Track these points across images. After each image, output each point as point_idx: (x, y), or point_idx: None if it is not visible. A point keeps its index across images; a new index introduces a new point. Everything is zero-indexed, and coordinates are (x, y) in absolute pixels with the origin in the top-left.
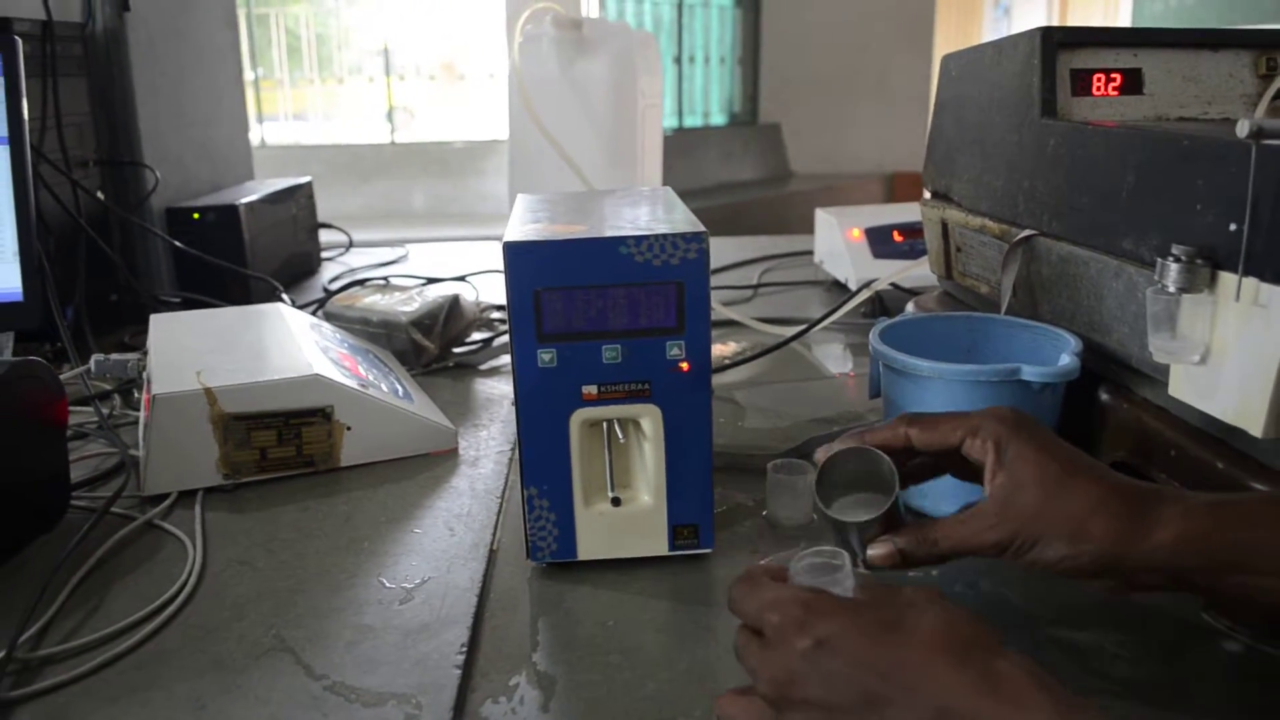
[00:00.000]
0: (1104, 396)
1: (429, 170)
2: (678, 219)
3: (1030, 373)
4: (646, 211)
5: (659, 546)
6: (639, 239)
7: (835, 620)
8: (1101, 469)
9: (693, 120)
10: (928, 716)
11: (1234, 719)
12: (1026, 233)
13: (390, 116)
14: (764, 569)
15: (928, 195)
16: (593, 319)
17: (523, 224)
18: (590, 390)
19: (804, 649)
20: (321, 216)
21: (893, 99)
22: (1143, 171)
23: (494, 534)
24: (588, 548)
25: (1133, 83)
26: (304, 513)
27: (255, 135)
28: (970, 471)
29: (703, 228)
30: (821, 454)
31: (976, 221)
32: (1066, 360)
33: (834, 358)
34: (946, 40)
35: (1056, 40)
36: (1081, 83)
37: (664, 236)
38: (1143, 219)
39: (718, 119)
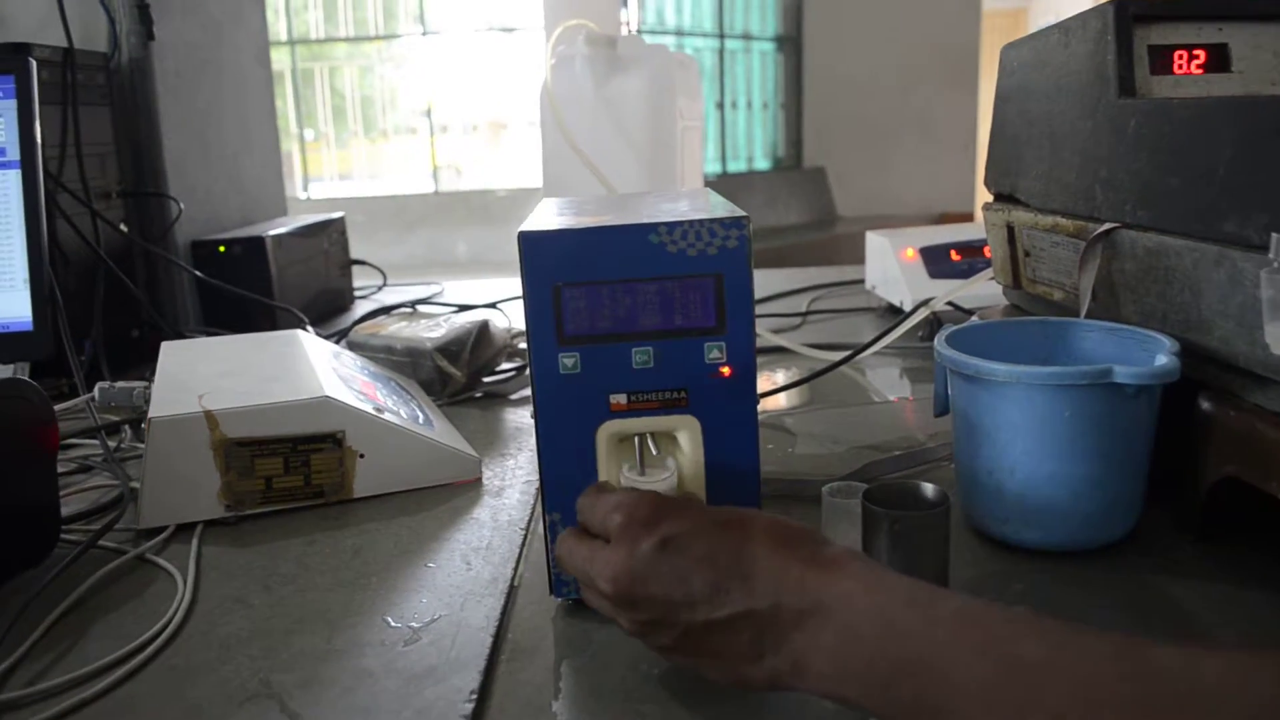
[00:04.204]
0: (1205, 405)
1: (472, 218)
2: (716, 207)
3: (1124, 374)
4: (683, 205)
5: None
6: (671, 226)
7: (678, 519)
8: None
9: (736, 165)
10: (765, 598)
11: None
12: (1106, 226)
13: (435, 176)
14: (605, 482)
15: (990, 199)
16: (620, 318)
17: (544, 218)
18: (619, 399)
19: (649, 547)
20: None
21: (939, 139)
22: (1245, 142)
23: (515, 568)
24: None
25: (1218, 59)
26: (309, 546)
27: (301, 195)
28: None
29: (743, 213)
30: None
31: (1047, 220)
32: (1164, 360)
33: (890, 383)
34: (993, 78)
35: (1132, 13)
36: (1161, 60)
37: (699, 223)
38: (1247, 195)
39: (761, 164)
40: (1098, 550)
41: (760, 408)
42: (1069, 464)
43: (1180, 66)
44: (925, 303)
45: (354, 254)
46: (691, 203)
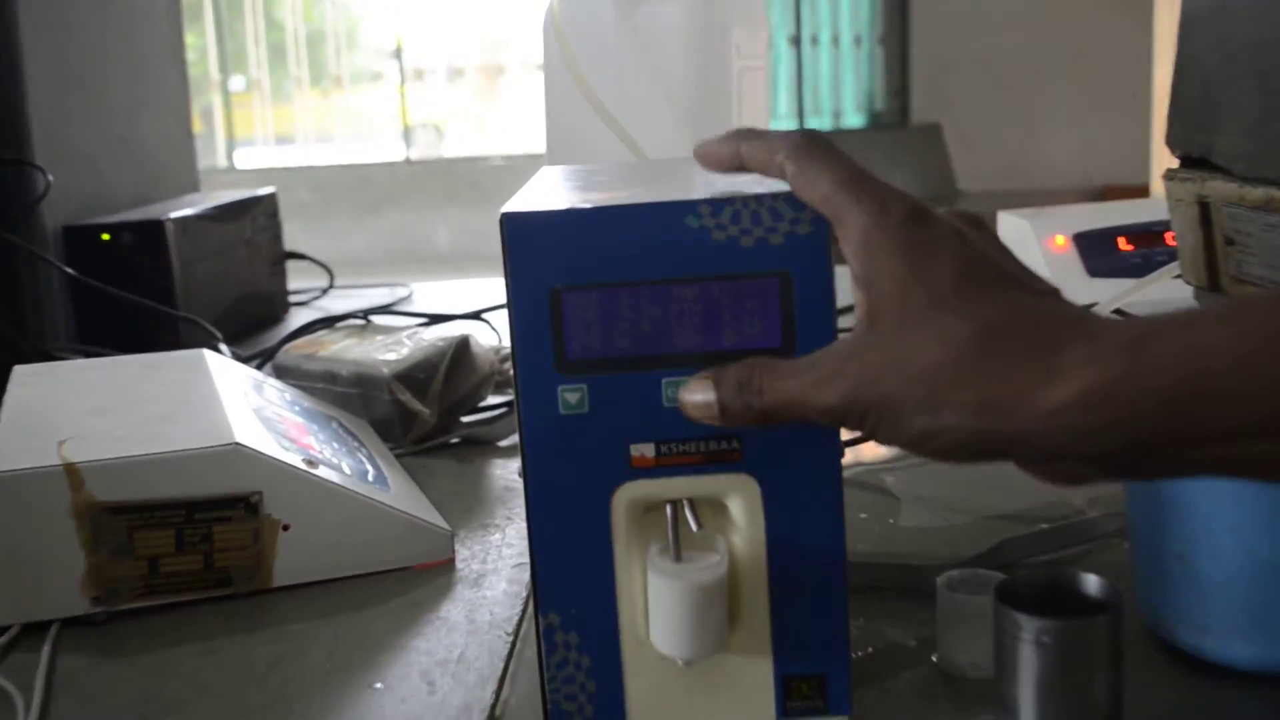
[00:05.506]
0: None
1: (458, 196)
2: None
3: None
4: (737, 175)
5: (761, 711)
6: (717, 204)
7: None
8: (1007, 280)
9: (819, 122)
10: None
11: None
12: None
13: (408, 137)
14: None
15: (1175, 165)
16: (646, 336)
17: (540, 193)
18: (644, 452)
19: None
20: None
21: (1099, 85)
22: None
23: (498, 691)
24: (644, 712)
25: None
26: (208, 658)
27: (224, 163)
28: None
29: None
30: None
31: (1258, 194)
32: None
33: None
34: (1171, 2)
35: None
36: None
37: (757, 199)
38: None
39: (853, 120)
40: None
41: (847, 460)
42: None
43: None
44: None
45: (291, 244)
46: (749, 172)
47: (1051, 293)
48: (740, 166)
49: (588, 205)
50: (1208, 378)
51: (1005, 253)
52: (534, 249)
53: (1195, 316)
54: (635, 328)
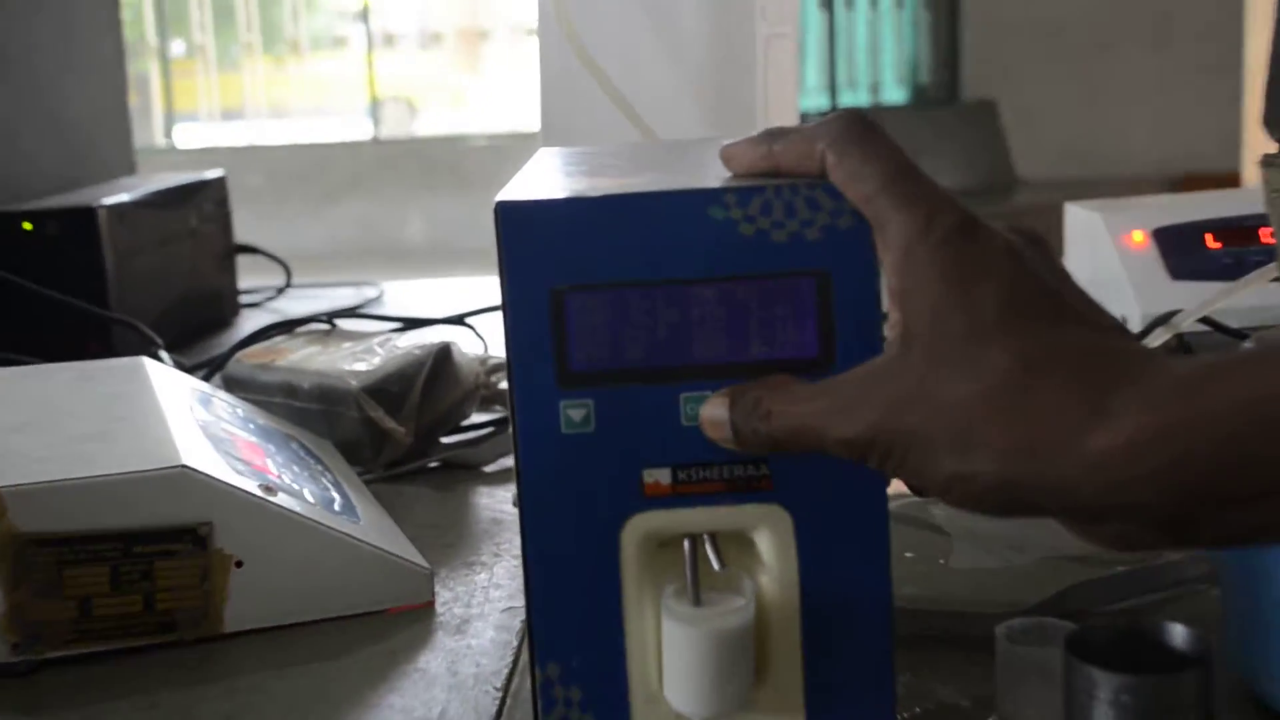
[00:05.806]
0: None
1: (434, 181)
2: None
3: None
4: None
5: None
6: (745, 193)
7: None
8: (1060, 311)
9: (854, 97)
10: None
11: None
12: None
13: (376, 112)
14: None
15: (1273, 150)
16: (662, 344)
17: (538, 179)
18: (658, 478)
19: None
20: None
21: (1182, 55)
22: None
23: None
24: None
25: None
26: (148, 713)
27: (161, 141)
28: None
29: None
30: None
31: None
32: None
33: None
34: None
35: None
36: None
37: (791, 187)
38: None
39: (894, 95)
40: None
41: (892, 490)
42: None
43: None
44: (1165, 318)
45: (242, 236)
46: (782, 176)
47: (1112, 328)
48: (773, 169)
49: (595, 193)
50: (1274, 423)
51: (1064, 279)
52: (533, 243)
53: (1260, 354)
54: (649, 334)
